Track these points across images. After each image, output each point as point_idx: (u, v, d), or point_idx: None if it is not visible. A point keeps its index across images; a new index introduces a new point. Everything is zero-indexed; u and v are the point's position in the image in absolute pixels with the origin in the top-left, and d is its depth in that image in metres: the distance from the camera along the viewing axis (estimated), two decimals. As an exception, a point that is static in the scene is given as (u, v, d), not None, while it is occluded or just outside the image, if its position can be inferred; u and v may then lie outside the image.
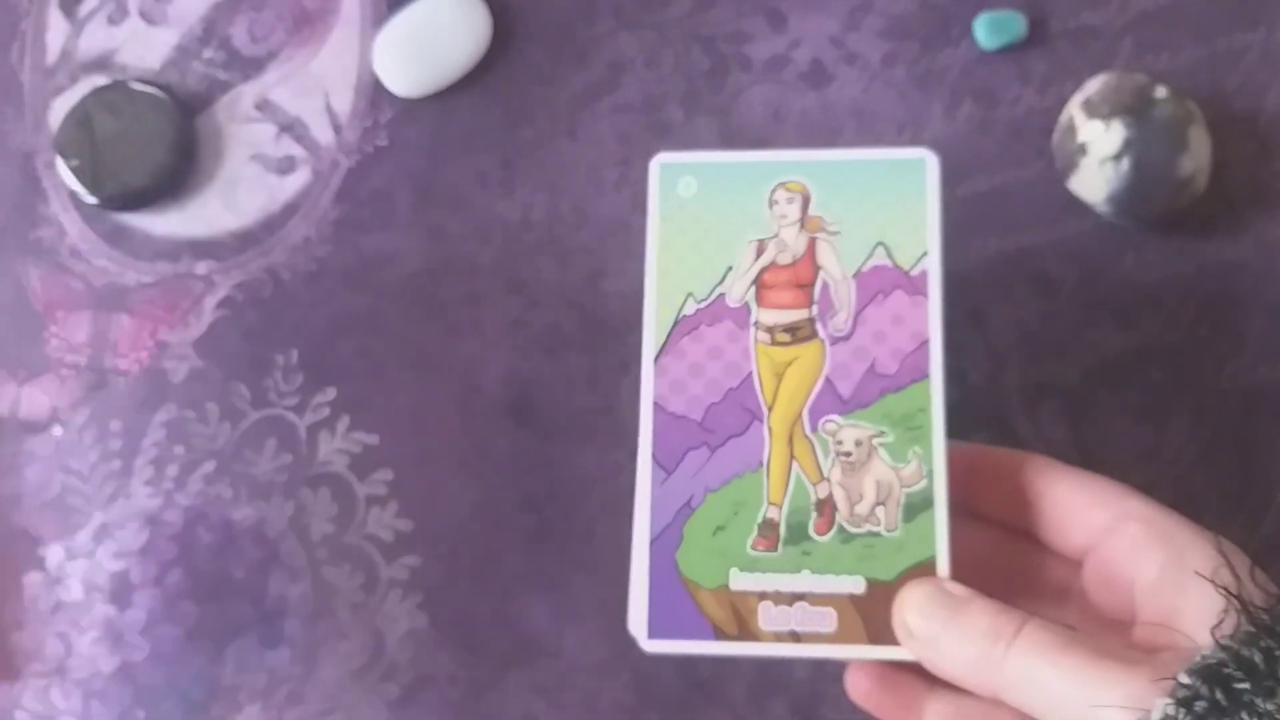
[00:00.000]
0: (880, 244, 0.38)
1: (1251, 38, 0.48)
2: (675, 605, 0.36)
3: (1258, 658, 0.29)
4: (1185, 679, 0.29)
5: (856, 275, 0.38)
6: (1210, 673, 0.29)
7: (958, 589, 0.34)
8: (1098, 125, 0.44)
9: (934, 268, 0.37)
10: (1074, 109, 0.45)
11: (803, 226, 0.38)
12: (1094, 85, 0.45)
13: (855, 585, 0.35)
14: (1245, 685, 0.29)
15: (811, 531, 0.36)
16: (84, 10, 0.54)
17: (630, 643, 0.38)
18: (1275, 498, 0.44)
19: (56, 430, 0.50)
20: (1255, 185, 0.46)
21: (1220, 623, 0.31)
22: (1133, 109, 0.44)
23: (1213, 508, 0.44)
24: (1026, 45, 0.48)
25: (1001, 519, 0.38)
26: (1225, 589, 0.31)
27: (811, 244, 0.38)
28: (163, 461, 0.49)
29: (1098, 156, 0.44)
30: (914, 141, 0.48)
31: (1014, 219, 0.47)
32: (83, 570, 0.49)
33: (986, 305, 0.46)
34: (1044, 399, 0.45)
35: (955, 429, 0.41)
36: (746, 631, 0.35)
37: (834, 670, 0.43)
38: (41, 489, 0.50)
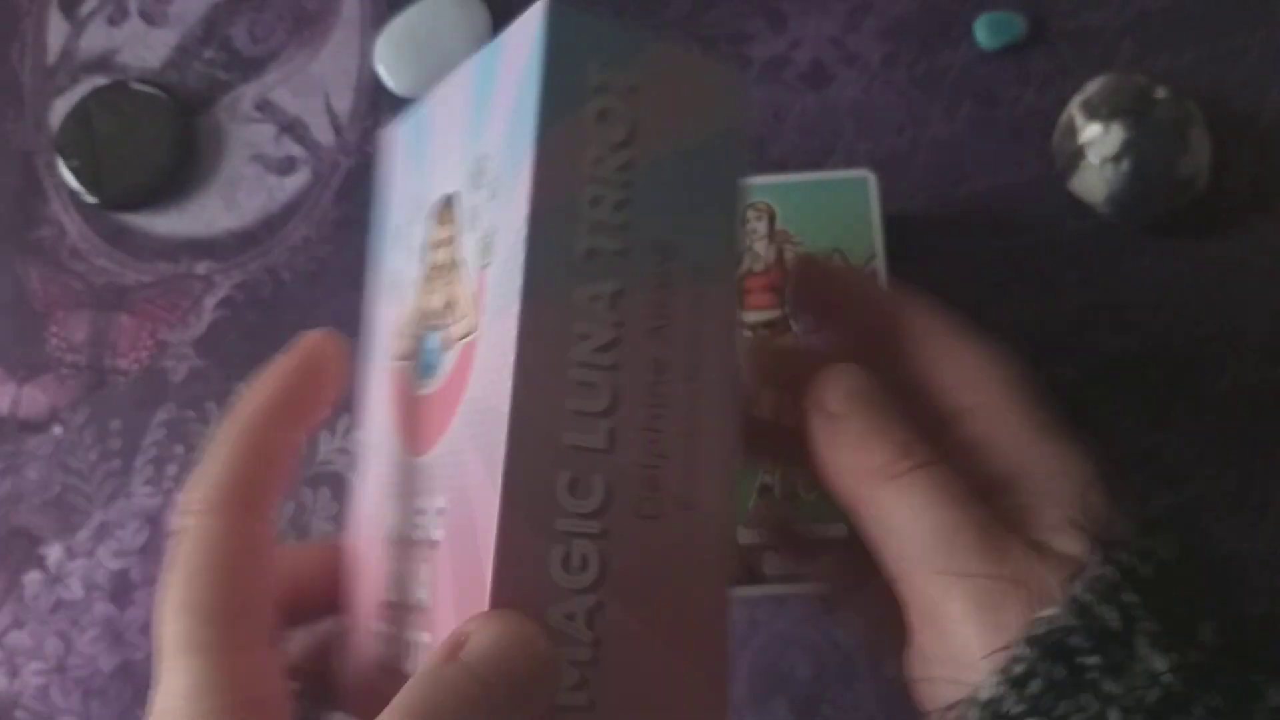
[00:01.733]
0: (836, 250, 0.44)
1: (1251, 38, 0.48)
2: None
3: (1113, 617, 0.24)
4: (1023, 650, 0.24)
5: None
6: (1053, 643, 0.24)
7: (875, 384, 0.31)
8: (1098, 126, 0.44)
9: (880, 268, 0.43)
10: (1074, 109, 0.45)
11: (771, 239, 0.44)
12: (1094, 86, 0.45)
13: (839, 530, 0.40)
14: (1094, 659, 0.24)
15: (800, 490, 0.41)
16: (84, 10, 0.54)
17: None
18: (1275, 498, 0.44)
19: (56, 430, 0.50)
20: (1255, 185, 0.46)
21: (1077, 574, 0.25)
22: (1133, 110, 0.44)
23: (1213, 508, 0.44)
24: (1026, 45, 0.48)
25: None
26: (1090, 538, 0.26)
27: (780, 253, 0.44)
28: (163, 461, 0.49)
29: (1098, 157, 0.44)
30: (914, 141, 0.48)
31: (1014, 219, 0.47)
32: (83, 569, 0.49)
33: (986, 305, 0.46)
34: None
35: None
36: (757, 576, 0.41)
37: (834, 670, 0.43)
38: (41, 489, 0.50)
